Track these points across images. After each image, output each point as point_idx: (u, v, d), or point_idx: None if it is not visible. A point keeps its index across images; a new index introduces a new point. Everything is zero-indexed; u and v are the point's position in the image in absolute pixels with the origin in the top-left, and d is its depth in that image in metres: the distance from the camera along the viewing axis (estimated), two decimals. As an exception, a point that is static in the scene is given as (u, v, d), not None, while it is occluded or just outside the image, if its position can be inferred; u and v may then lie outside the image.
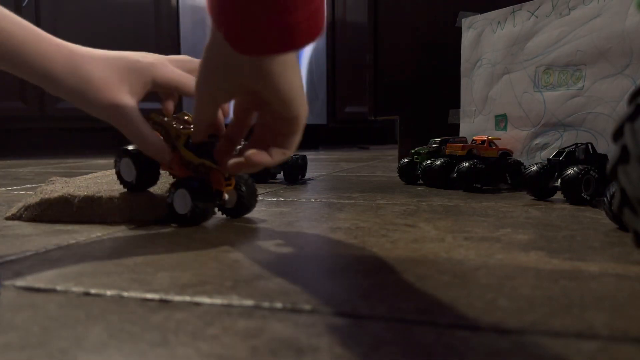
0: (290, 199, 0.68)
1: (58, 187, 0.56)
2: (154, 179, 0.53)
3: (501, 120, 0.87)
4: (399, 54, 1.15)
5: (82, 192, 0.53)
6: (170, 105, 0.53)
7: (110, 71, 0.47)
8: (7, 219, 0.54)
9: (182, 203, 0.49)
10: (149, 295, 0.29)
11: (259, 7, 0.31)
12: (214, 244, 0.42)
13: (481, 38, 0.91)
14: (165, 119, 0.52)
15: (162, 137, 0.50)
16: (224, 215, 0.54)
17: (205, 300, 0.28)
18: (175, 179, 0.51)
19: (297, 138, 0.43)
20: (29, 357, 0.21)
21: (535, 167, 0.66)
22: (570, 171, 0.62)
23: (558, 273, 0.33)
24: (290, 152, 0.43)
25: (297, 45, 0.33)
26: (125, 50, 0.53)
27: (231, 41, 0.35)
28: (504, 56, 0.86)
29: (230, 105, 0.48)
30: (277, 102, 0.40)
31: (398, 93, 1.16)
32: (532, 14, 0.82)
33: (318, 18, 0.33)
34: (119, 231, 0.47)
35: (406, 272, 0.33)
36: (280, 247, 0.41)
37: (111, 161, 1.56)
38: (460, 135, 0.93)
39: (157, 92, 0.53)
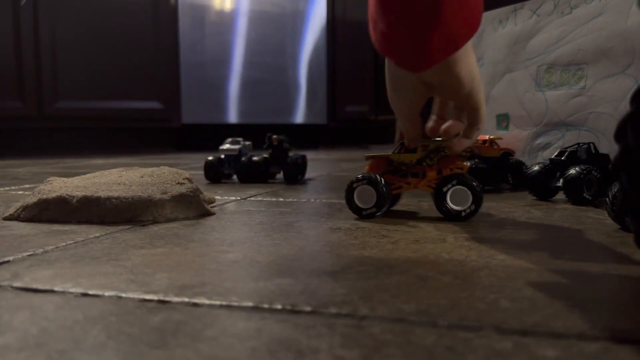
0: (290, 199, 0.68)
1: (56, 187, 0.56)
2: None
3: (503, 120, 0.86)
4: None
5: (80, 192, 0.52)
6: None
7: None
8: (5, 219, 0.53)
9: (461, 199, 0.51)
10: (148, 296, 0.29)
11: (421, 31, 0.37)
12: (213, 244, 0.42)
13: (482, 37, 0.90)
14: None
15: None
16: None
17: (204, 301, 0.28)
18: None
19: (477, 127, 0.50)
20: (27, 358, 0.21)
21: (537, 167, 0.65)
22: (572, 171, 0.62)
23: (560, 274, 0.32)
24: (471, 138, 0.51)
25: (458, 47, 0.39)
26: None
27: (400, 65, 0.41)
28: (505, 55, 0.86)
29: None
30: (456, 100, 0.48)
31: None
32: (534, 12, 0.81)
33: (475, 14, 0.39)
34: (117, 231, 0.47)
35: (407, 273, 0.33)
36: (280, 247, 0.41)
37: (109, 161, 1.56)
38: (461, 134, 0.93)
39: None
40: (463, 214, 0.51)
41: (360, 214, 0.53)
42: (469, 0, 0.38)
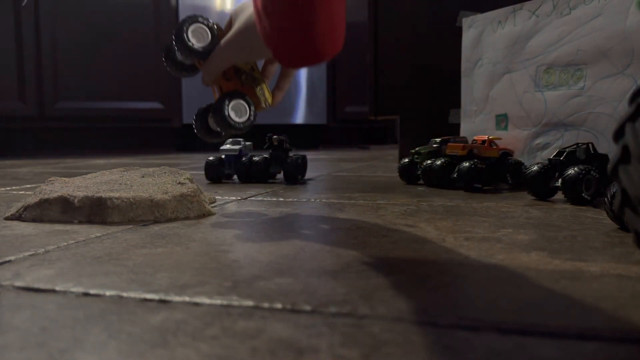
0: (290, 199, 0.68)
1: (57, 187, 0.56)
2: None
3: (502, 120, 0.87)
4: (399, 54, 1.15)
5: (81, 192, 0.53)
6: None
7: None
8: (7, 219, 0.54)
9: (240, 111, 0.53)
10: (149, 296, 0.29)
11: (293, 35, 0.42)
12: (214, 244, 0.42)
13: (482, 37, 0.90)
14: None
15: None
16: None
17: (205, 300, 0.28)
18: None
19: (290, 76, 0.58)
20: (28, 357, 0.21)
21: (536, 167, 0.66)
22: (571, 171, 0.62)
23: (559, 273, 0.33)
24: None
25: (325, 60, 0.44)
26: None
27: (276, 58, 0.45)
28: (504, 56, 0.86)
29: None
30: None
31: (398, 93, 1.16)
32: (533, 13, 0.81)
33: (340, 32, 0.44)
34: (118, 231, 0.47)
35: (407, 273, 0.33)
36: (280, 247, 0.41)
37: (110, 161, 1.56)
38: (461, 135, 0.93)
39: None
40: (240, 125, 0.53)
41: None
42: (335, 25, 0.43)
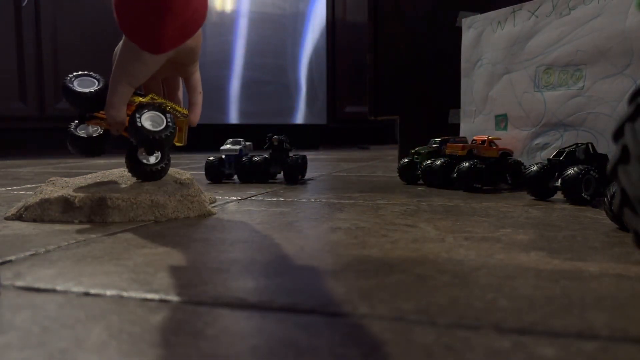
0: (290, 199, 0.68)
1: (58, 187, 0.56)
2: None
3: (501, 120, 0.87)
4: (399, 54, 1.15)
5: (82, 192, 0.53)
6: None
7: None
8: (7, 219, 0.54)
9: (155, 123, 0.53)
10: (149, 296, 0.29)
11: (154, 22, 0.45)
12: (214, 243, 0.42)
13: (481, 38, 0.90)
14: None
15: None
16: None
17: (205, 300, 0.28)
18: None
19: (199, 90, 0.58)
20: (28, 357, 0.21)
21: (535, 167, 0.66)
22: (570, 171, 0.62)
23: (558, 273, 0.33)
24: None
25: (190, 36, 0.47)
26: None
27: (141, 47, 0.48)
28: (504, 56, 0.86)
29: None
30: (188, 69, 0.55)
31: (398, 93, 1.16)
32: (533, 13, 0.81)
33: (204, 3, 0.46)
34: (119, 231, 0.47)
35: (406, 272, 0.33)
36: (280, 247, 0.41)
37: (110, 161, 1.56)
38: (461, 135, 0.93)
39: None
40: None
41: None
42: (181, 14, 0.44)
